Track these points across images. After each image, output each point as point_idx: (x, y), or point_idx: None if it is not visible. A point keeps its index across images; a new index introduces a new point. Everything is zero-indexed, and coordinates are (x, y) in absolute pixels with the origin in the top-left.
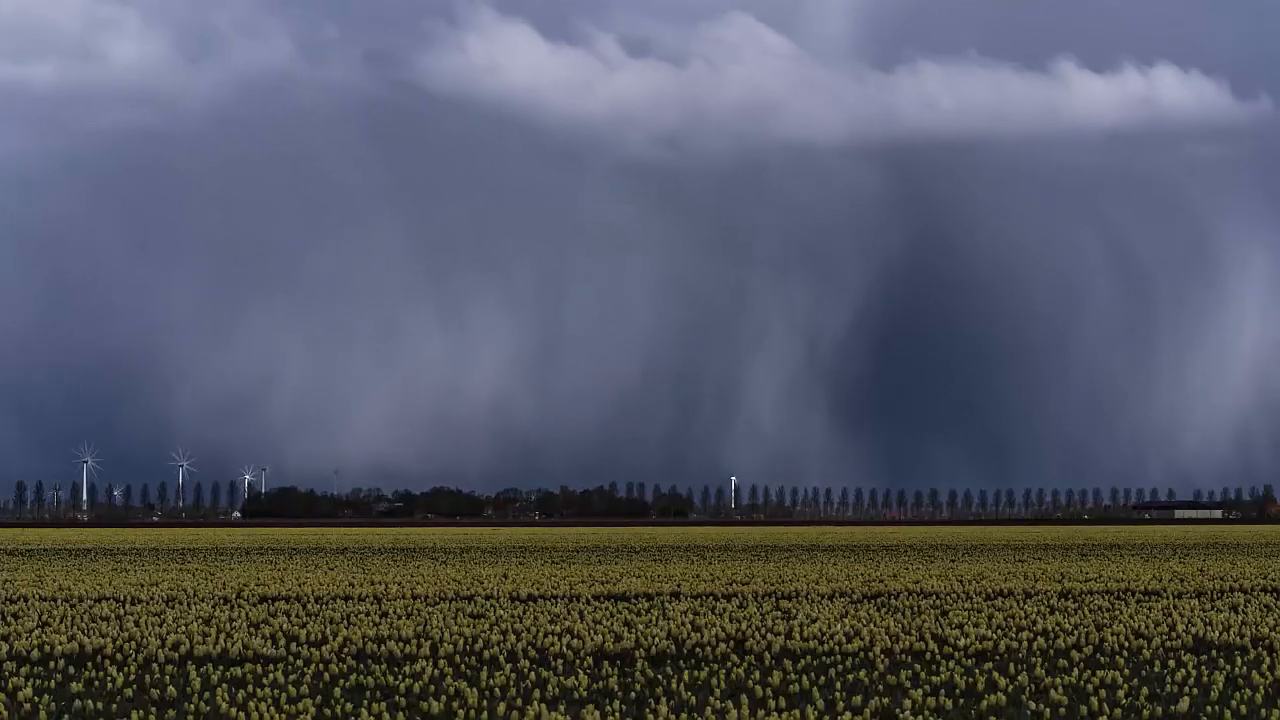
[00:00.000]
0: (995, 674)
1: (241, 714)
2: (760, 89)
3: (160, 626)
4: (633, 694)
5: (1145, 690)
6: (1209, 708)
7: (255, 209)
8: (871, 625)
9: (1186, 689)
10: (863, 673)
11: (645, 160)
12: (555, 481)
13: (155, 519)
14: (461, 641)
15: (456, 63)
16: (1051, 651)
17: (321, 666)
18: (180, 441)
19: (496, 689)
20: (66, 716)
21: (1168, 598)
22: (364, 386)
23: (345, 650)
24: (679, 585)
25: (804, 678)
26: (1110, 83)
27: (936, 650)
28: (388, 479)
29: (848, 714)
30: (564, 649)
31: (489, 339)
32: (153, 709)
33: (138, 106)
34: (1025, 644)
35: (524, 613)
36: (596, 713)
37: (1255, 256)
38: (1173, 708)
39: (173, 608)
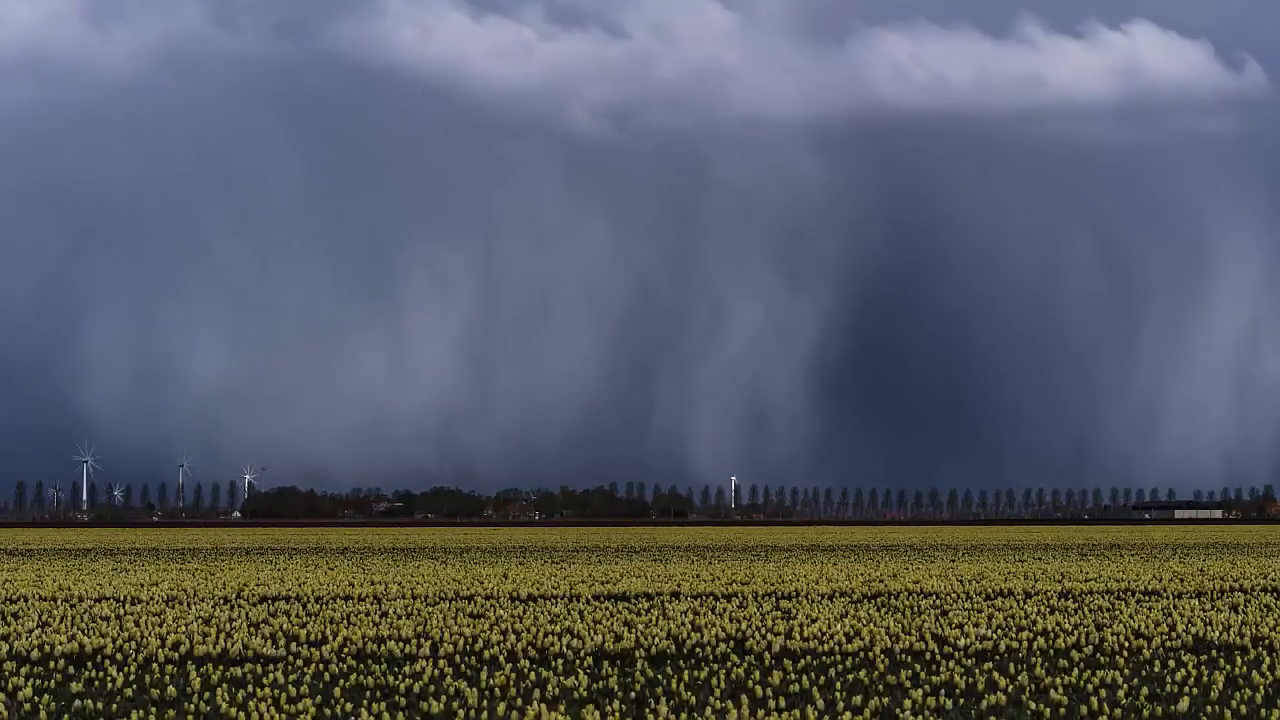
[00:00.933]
0: (995, 674)
1: (241, 714)
2: (707, 62)
3: (160, 626)
4: (633, 694)
5: (1145, 690)
6: (1209, 708)
7: (169, 194)
8: (871, 625)
9: (1186, 689)
10: (863, 673)
11: (592, 138)
12: (555, 481)
13: (155, 519)
14: (461, 641)
15: (377, 31)
16: (1051, 651)
17: (321, 666)
18: (178, 443)
19: (496, 689)
20: (66, 716)
21: (1168, 598)
22: (352, 385)
23: (345, 650)
24: (679, 585)
25: (804, 678)
26: (1088, 48)
27: (936, 650)
28: (386, 479)
29: (848, 714)
30: (564, 649)
31: (479, 334)
32: (153, 709)
33: (31, 76)
34: (1025, 644)
35: (524, 613)
36: (596, 713)
37: (1253, 246)
38: (1173, 708)
39: (173, 608)
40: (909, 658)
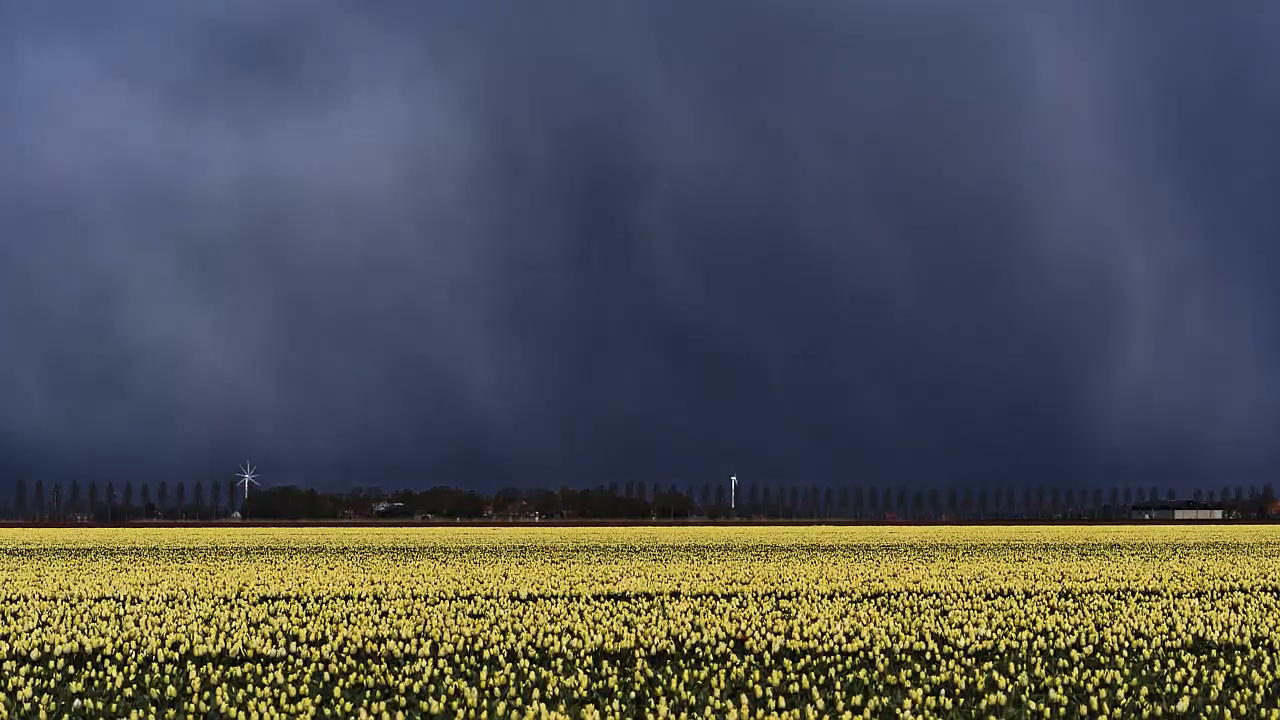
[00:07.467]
0: (995, 674)
1: (241, 713)
2: None
3: (160, 626)
4: (633, 694)
5: (1145, 690)
6: (1209, 708)
7: None
8: (871, 625)
9: (1186, 689)
10: (863, 672)
11: None
12: (555, 481)
13: (155, 519)
14: (461, 641)
15: None
16: (1051, 651)
17: (321, 666)
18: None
19: (496, 689)
20: (66, 716)
21: (1168, 598)
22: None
23: (345, 650)
24: (679, 585)
25: (804, 677)
26: None
27: (936, 650)
28: (388, 477)
29: (848, 714)
30: (564, 649)
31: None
32: (152, 709)
33: None
34: (1025, 644)
35: (524, 612)
36: (596, 713)
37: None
38: (1173, 708)
39: (172, 607)
40: (909, 657)
